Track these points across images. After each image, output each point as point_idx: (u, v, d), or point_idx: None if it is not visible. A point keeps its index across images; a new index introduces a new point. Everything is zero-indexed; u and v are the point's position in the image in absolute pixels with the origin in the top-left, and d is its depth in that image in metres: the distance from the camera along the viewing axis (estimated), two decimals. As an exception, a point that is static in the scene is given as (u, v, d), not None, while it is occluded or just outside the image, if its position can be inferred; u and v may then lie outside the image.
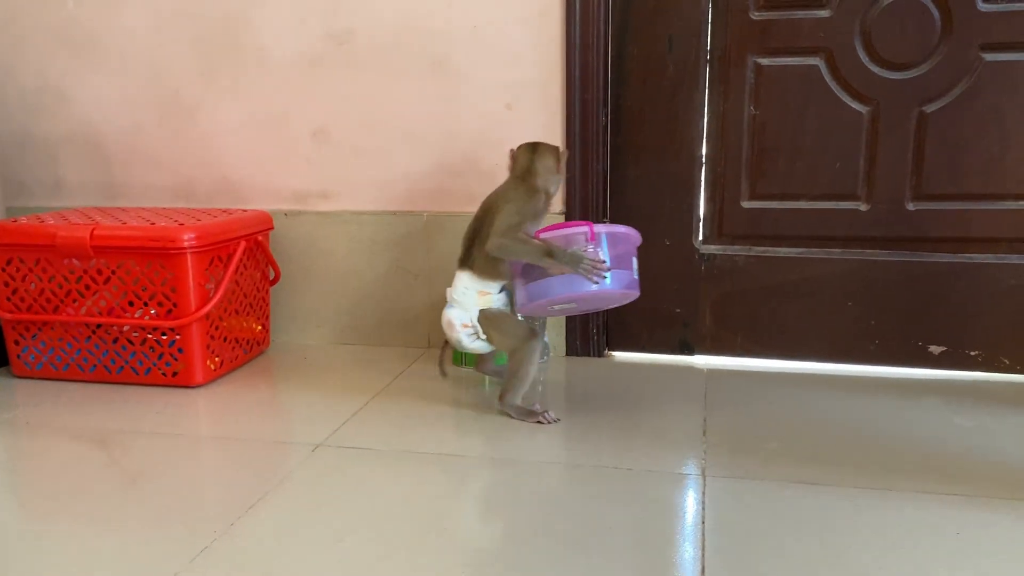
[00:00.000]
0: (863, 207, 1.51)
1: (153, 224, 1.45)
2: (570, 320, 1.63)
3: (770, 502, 1.03)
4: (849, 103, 1.49)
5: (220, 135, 1.75)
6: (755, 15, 1.49)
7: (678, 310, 1.61)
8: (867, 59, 1.47)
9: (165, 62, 1.75)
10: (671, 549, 0.92)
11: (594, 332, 1.63)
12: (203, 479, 1.13)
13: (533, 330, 1.28)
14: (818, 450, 1.18)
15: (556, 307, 1.29)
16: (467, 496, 1.07)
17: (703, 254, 1.58)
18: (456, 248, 1.36)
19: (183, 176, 1.79)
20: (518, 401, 1.30)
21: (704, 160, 1.56)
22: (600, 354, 1.65)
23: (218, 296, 1.46)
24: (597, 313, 1.62)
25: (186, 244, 1.41)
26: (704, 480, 1.09)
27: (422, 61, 1.63)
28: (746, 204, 1.56)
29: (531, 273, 1.24)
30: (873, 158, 1.49)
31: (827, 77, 1.49)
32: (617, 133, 1.58)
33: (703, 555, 0.91)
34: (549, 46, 1.56)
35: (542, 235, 1.24)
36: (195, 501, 1.06)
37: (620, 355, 1.66)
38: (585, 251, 1.20)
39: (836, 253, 1.53)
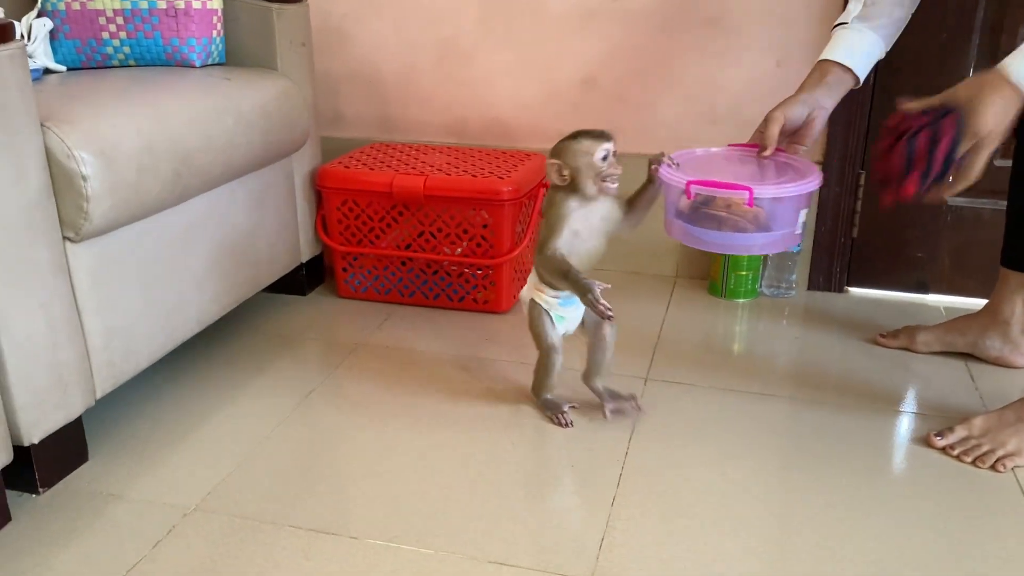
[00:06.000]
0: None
1: (475, 177, 1.67)
2: (815, 257, 1.82)
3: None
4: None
5: (493, 78, 1.93)
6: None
7: (919, 254, 1.78)
8: None
9: (442, 9, 1.92)
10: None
11: (836, 269, 1.83)
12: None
13: (554, 345, 1.32)
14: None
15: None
16: (799, 435, 1.31)
17: (951, 205, 1.74)
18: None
19: (456, 115, 1.99)
20: (544, 396, 1.37)
21: (963, 119, 1.69)
22: (840, 289, 1.84)
23: (527, 238, 1.69)
24: (842, 251, 1.81)
25: (506, 196, 1.63)
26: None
27: (695, 18, 1.76)
28: (999, 163, 1.69)
29: (690, 215, 1.30)
30: None
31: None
32: (881, 83, 1.71)
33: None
34: (824, 8, 1.68)
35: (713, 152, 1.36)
36: (584, 442, 1.33)
37: (857, 291, 1.85)
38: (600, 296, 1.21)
39: (1080, 209, 1.67)
